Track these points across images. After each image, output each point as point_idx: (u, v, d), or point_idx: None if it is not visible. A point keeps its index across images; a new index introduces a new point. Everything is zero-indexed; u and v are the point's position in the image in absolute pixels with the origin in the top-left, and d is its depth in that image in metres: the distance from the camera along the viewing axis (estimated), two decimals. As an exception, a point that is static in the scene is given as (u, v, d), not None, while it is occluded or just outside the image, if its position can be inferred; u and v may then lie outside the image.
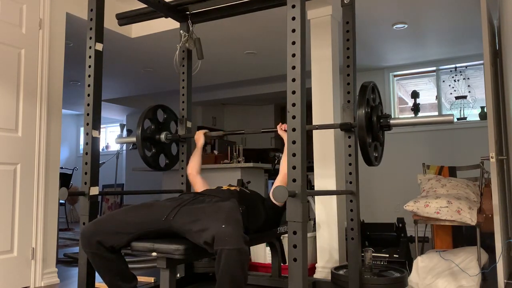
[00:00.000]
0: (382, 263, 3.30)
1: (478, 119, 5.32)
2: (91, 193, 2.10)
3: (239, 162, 5.49)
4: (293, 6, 1.70)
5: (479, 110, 5.34)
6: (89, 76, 2.17)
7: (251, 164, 5.06)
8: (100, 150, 3.41)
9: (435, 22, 4.18)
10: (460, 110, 5.47)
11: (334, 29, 3.53)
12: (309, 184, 4.41)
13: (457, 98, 5.49)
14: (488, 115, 2.60)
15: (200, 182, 2.59)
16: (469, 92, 5.51)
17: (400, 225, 3.61)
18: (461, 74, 5.52)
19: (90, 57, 2.18)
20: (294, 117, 1.67)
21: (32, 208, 3.09)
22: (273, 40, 4.54)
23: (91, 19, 2.18)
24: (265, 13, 3.47)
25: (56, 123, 3.31)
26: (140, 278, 3.11)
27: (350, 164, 2.37)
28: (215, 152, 6.20)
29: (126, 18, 2.78)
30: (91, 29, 2.18)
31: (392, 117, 2.59)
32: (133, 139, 2.69)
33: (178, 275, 2.72)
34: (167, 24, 4.03)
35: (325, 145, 3.41)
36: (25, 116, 3.10)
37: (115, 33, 4.08)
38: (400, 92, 6.06)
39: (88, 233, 1.87)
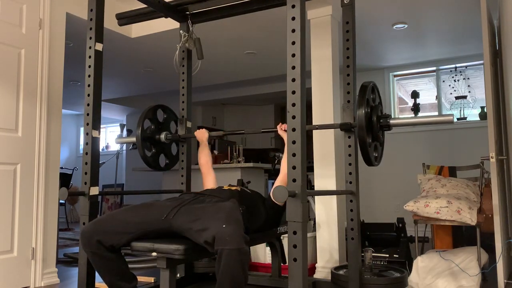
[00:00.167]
0: (382, 263, 3.30)
1: (478, 119, 5.32)
2: (91, 193, 2.10)
3: (239, 162, 5.49)
4: (293, 6, 1.70)
5: (479, 110, 5.34)
6: (89, 76, 2.17)
7: (251, 164, 5.06)
8: (100, 150, 3.41)
9: (435, 22, 4.18)
10: (460, 110, 5.47)
11: (334, 29, 3.53)
12: (309, 184, 4.41)
13: (457, 98, 5.49)
14: (488, 115, 2.60)
15: (212, 175, 2.62)
16: (469, 92, 5.51)
17: (400, 225, 3.61)
18: (461, 74, 5.52)
19: (90, 57, 2.18)
20: (294, 117, 1.67)
21: (32, 208, 3.09)
22: (273, 40, 4.54)
23: (91, 19, 2.18)
24: (265, 13, 3.47)
25: (56, 123, 3.31)
26: (140, 278, 3.11)
27: (350, 164, 2.37)
28: (215, 152, 6.21)
29: (126, 18, 2.78)
30: (91, 29, 2.18)
31: (392, 117, 2.59)
32: (133, 139, 2.69)
33: (178, 275, 2.72)
34: (167, 24, 4.03)
35: (325, 145, 3.41)
36: (25, 116, 3.10)
37: (115, 33, 4.08)
38: (400, 92, 6.06)
39: (88, 232, 1.87)
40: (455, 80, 5.56)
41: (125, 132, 8.07)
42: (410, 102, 5.83)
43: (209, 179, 2.61)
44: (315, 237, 3.44)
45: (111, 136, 9.96)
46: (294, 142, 1.65)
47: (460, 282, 2.73)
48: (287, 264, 1.94)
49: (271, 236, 2.48)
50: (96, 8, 2.18)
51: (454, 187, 3.20)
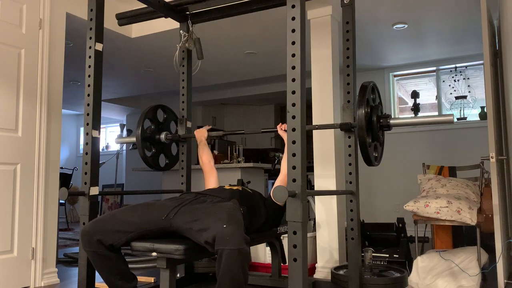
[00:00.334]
0: (382, 263, 3.30)
1: (478, 119, 5.32)
2: (91, 193, 2.10)
3: (239, 162, 5.49)
4: (293, 6, 1.70)
5: (479, 110, 5.34)
6: (89, 76, 2.17)
7: (251, 164, 5.06)
8: (100, 150, 3.41)
9: (435, 22, 4.18)
10: (460, 110, 5.47)
11: (334, 29, 3.53)
12: (309, 184, 4.41)
13: (457, 98, 5.49)
14: (488, 115, 2.60)
15: (215, 174, 2.62)
16: (469, 92, 5.51)
17: (400, 225, 3.61)
18: (461, 74, 5.52)
19: (90, 57, 2.18)
20: (294, 117, 1.67)
21: (32, 208, 3.09)
22: (273, 40, 4.54)
23: (91, 19, 2.18)
24: (265, 13, 3.47)
25: (56, 123, 3.31)
26: (140, 278, 3.11)
27: (350, 164, 2.37)
28: (215, 152, 6.20)
29: (126, 18, 2.78)
30: (91, 29, 2.18)
31: (392, 117, 2.59)
32: (133, 139, 2.69)
33: (178, 275, 2.72)
34: (167, 24, 4.03)
35: (325, 145, 3.41)
36: (25, 116, 3.10)
37: (115, 33, 4.08)
38: (400, 92, 6.06)
39: (88, 232, 1.87)
40: (455, 80, 5.56)
41: (125, 132, 8.07)
42: (410, 102, 5.83)
43: (211, 178, 2.61)
44: (315, 237, 3.44)
45: (111, 136, 9.97)
46: (294, 142, 1.65)
47: (460, 282, 2.73)
48: (287, 264, 1.94)
49: (271, 236, 2.48)
50: (96, 8, 2.18)
51: (454, 187, 3.20)
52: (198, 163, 2.80)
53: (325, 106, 3.45)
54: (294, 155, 1.65)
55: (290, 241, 1.62)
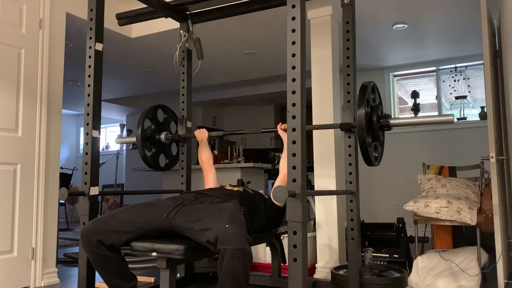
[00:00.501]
0: (382, 263, 3.30)
1: (478, 119, 5.32)
2: (91, 193, 2.10)
3: (239, 162, 5.49)
4: (293, 6, 1.70)
5: (479, 110, 5.34)
6: (89, 76, 2.17)
7: (251, 164, 5.06)
8: (100, 150, 3.41)
9: (435, 22, 4.19)
10: (460, 110, 5.47)
11: (334, 29, 3.54)
12: (309, 184, 4.41)
13: (457, 98, 5.49)
14: (488, 115, 2.60)
15: (213, 173, 2.62)
16: (469, 92, 5.51)
17: (400, 225, 3.61)
18: (461, 74, 5.52)
19: (90, 57, 2.17)
20: (294, 117, 1.67)
21: (32, 208, 3.09)
22: (273, 40, 4.54)
23: (91, 19, 2.18)
24: (265, 13, 3.47)
25: (56, 123, 3.31)
26: (140, 278, 3.11)
27: (350, 164, 2.37)
28: (215, 152, 6.21)
29: (126, 18, 2.78)
30: (91, 29, 2.18)
31: (392, 117, 2.59)
32: (133, 139, 2.69)
33: (178, 275, 2.72)
34: (167, 24, 4.03)
35: (325, 145, 3.41)
36: (25, 116, 3.10)
37: (115, 33, 4.08)
38: (400, 92, 6.06)
39: (88, 231, 1.87)
40: (455, 80, 5.56)
41: (125, 132, 8.07)
42: (410, 102, 5.83)
43: (210, 176, 2.61)
44: (315, 237, 3.44)
45: (111, 136, 9.96)
46: (294, 142, 1.65)
47: (460, 282, 2.73)
48: (287, 264, 1.94)
49: (271, 236, 2.48)
50: (96, 8, 2.18)
51: (454, 187, 3.20)
52: (198, 163, 2.80)
53: (325, 106, 3.45)
54: (294, 155, 1.65)
55: (290, 241, 1.62)
